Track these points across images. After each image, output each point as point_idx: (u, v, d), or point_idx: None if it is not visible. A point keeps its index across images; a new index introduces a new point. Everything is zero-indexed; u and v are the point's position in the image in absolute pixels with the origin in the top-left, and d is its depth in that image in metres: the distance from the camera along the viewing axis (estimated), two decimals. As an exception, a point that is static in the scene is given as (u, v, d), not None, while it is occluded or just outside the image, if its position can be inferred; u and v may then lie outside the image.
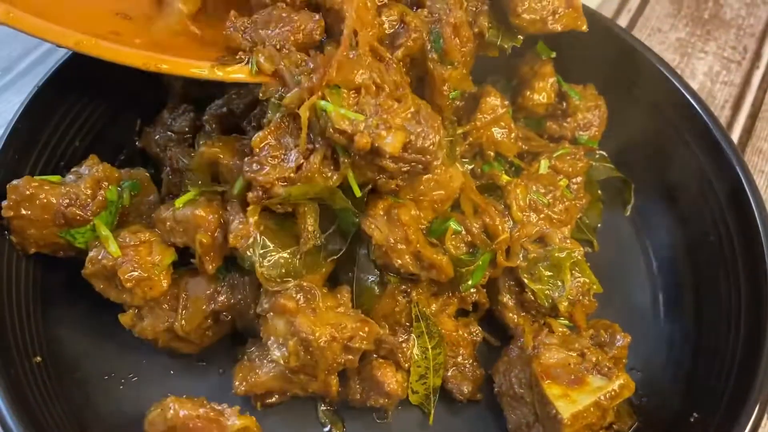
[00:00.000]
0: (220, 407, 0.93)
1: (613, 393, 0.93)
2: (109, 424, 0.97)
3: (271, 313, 0.94)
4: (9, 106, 1.37)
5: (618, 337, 1.00)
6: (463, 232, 1.05)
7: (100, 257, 1.00)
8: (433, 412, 1.04)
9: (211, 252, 0.98)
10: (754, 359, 0.95)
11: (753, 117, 1.49)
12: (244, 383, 0.99)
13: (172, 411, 0.91)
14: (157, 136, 1.18)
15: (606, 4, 1.66)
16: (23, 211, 1.00)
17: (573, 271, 1.06)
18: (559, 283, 1.06)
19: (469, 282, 1.04)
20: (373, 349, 1.00)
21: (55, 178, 1.05)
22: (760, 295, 1.01)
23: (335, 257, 0.99)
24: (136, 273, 0.98)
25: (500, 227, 1.05)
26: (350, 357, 0.96)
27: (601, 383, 0.93)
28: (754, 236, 1.04)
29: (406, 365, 1.03)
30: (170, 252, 1.01)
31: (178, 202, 1.00)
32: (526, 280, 1.06)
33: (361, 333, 0.95)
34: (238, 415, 0.92)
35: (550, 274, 1.06)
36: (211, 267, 0.98)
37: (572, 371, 0.94)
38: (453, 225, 1.03)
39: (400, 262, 0.98)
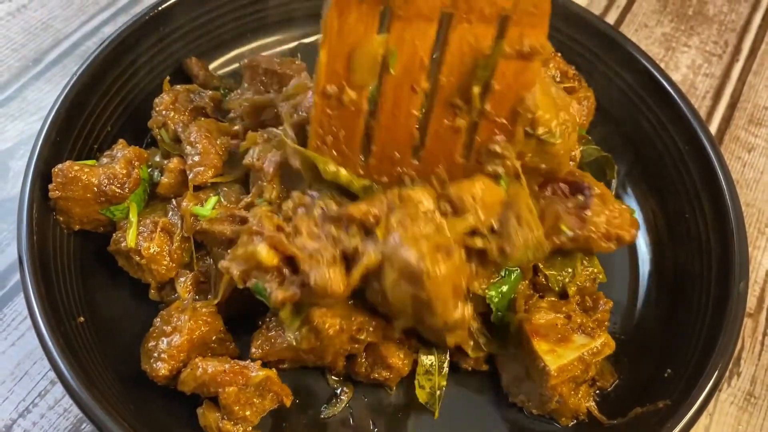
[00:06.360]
0: (243, 363, 1.00)
1: (595, 350, 1.01)
2: (143, 379, 1.03)
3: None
4: (41, 95, 1.42)
5: (601, 302, 1.08)
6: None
7: (120, 240, 1.09)
8: (438, 409, 1.07)
9: None
10: (719, 327, 1.06)
11: (732, 107, 1.56)
12: (261, 349, 1.04)
13: (200, 369, 0.98)
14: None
15: (596, 0, 1.73)
16: (68, 192, 1.07)
17: (583, 261, 1.12)
18: (570, 270, 1.11)
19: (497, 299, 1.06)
20: (378, 340, 1.04)
21: (91, 162, 1.13)
22: (727, 272, 1.10)
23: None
24: (143, 261, 1.06)
25: None
26: (356, 345, 1.03)
27: (585, 341, 1.02)
28: (723, 212, 1.15)
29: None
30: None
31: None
32: (540, 266, 1.11)
33: (368, 326, 1.02)
34: (260, 368, 0.99)
35: (562, 261, 1.12)
36: None
37: (559, 331, 1.02)
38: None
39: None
